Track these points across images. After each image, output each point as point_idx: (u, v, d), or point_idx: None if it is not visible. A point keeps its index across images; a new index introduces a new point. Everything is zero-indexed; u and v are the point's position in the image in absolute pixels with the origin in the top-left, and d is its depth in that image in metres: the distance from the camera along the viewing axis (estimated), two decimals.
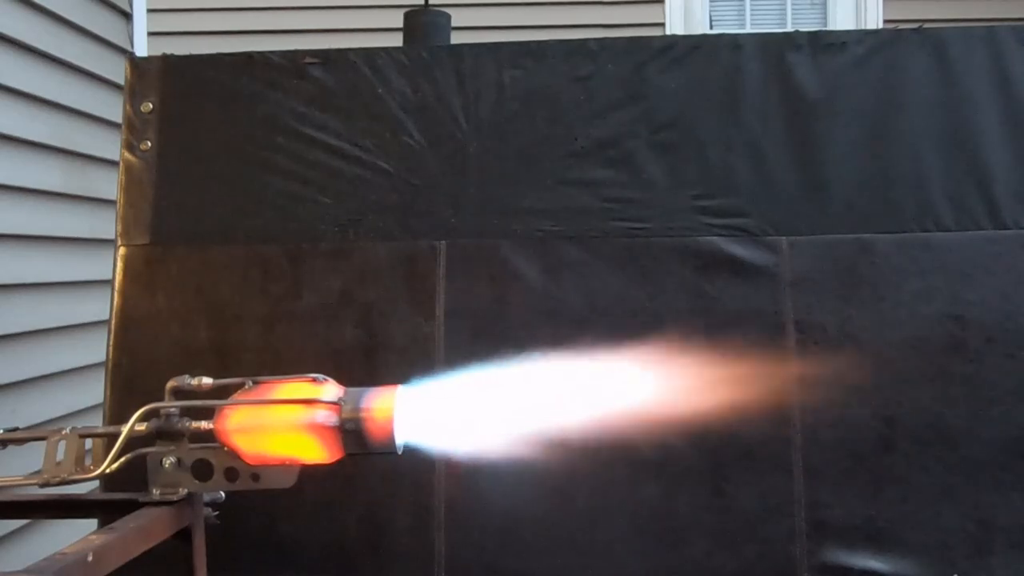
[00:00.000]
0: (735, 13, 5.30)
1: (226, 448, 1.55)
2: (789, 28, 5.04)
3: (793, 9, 5.22)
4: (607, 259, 2.13)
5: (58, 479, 1.54)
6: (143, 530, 1.49)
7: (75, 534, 1.54)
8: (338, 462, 1.56)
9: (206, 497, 1.65)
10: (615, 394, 1.87)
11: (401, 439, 1.55)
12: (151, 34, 3.83)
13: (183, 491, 1.57)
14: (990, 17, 4.63)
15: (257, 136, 2.22)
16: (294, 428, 1.52)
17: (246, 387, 1.58)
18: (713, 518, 2.04)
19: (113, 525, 1.48)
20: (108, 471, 1.54)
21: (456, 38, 2.60)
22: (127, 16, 3.59)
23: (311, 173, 2.20)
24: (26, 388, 2.87)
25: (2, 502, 1.79)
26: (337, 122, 2.21)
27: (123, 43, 3.54)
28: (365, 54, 2.23)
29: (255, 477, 1.56)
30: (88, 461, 1.62)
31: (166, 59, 2.28)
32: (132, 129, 2.25)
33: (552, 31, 4.59)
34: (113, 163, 2.57)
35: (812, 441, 2.04)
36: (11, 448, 1.67)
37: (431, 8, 2.73)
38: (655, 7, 4.97)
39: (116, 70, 3.21)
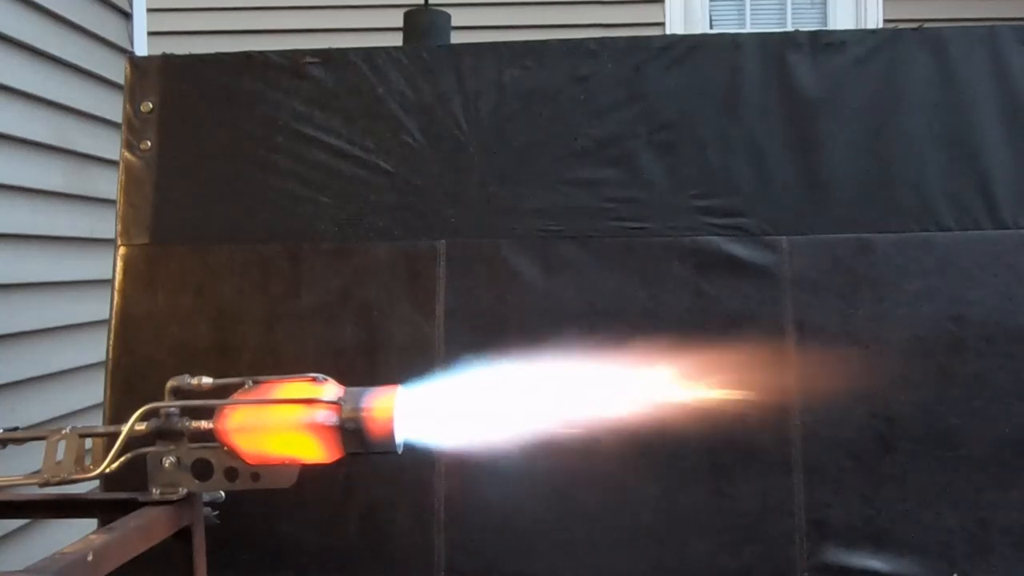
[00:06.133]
0: (735, 13, 5.30)
1: (226, 448, 1.55)
2: (789, 28, 5.04)
3: (793, 9, 5.22)
4: (607, 259, 2.13)
5: (58, 479, 1.54)
6: (143, 530, 1.49)
7: (75, 534, 1.54)
8: (338, 462, 1.56)
9: (206, 497, 1.65)
10: (615, 394, 1.87)
11: (401, 438, 1.55)
12: (151, 34, 3.83)
13: (183, 491, 1.57)
14: (990, 17, 4.63)
15: (257, 136, 2.22)
16: (294, 428, 1.52)
17: (246, 387, 1.58)
18: (713, 518, 2.04)
19: (113, 525, 1.48)
20: (108, 471, 1.54)
21: (456, 38, 2.60)
22: (127, 16, 3.59)
23: (311, 173, 2.20)
24: (26, 388, 2.87)
25: (2, 502, 1.79)
26: (337, 122, 2.21)
27: (123, 43, 3.54)
28: (365, 54, 2.23)
29: (255, 477, 1.56)
30: (88, 461, 1.62)
31: (166, 59, 2.28)
32: (132, 129, 2.25)
33: (552, 31, 4.59)
34: (113, 163, 2.57)
35: (812, 441, 2.03)
36: (11, 448, 1.67)
37: (431, 8, 2.73)
38: (655, 7, 4.97)
39: (116, 70, 3.21)
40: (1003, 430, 2.02)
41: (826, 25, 5.06)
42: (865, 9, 4.98)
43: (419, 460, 1.99)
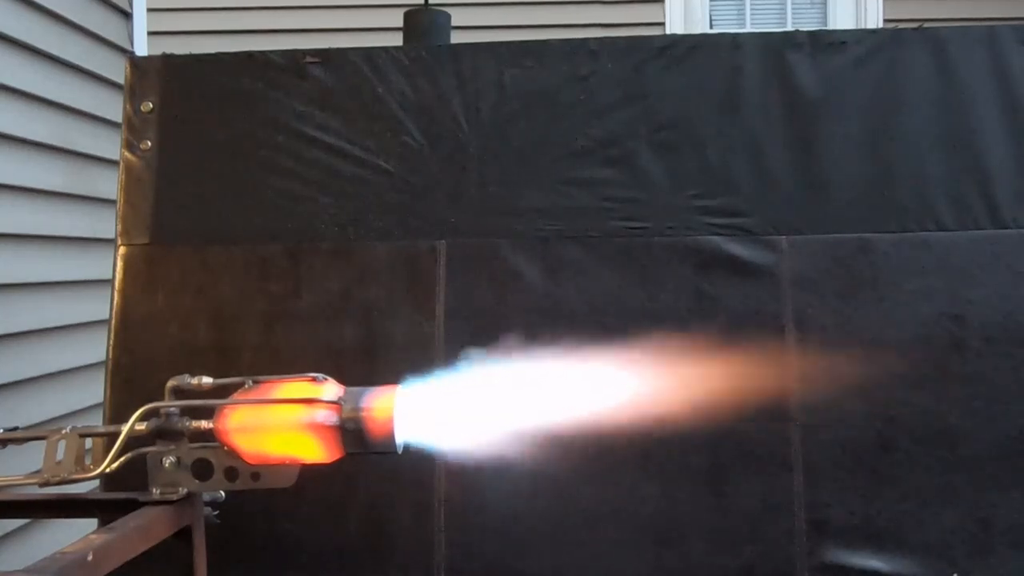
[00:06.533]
0: (735, 12, 5.30)
1: (226, 447, 1.55)
2: (789, 27, 5.04)
3: (793, 8, 5.22)
4: (607, 259, 2.13)
5: (58, 478, 1.54)
6: (143, 530, 1.49)
7: (75, 534, 1.54)
8: (338, 462, 1.56)
9: (206, 496, 1.65)
10: (615, 394, 1.87)
11: (401, 438, 1.55)
12: (151, 34, 3.83)
13: (183, 490, 1.57)
14: (990, 17, 4.63)
15: (257, 136, 2.22)
16: (294, 427, 1.52)
17: (246, 386, 1.58)
18: (713, 518, 2.04)
19: (113, 525, 1.48)
20: (108, 470, 1.54)
21: (456, 38, 2.60)
22: (127, 15, 3.60)
23: (311, 173, 2.20)
24: (26, 388, 2.87)
25: (2, 502, 1.79)
26: (337, 122, 2.21)
27: (123, 43, 3.54)
28: (365, 54, 2.23)
29: (255, 476, 1.56)
30: (88, 460, 1.62)
31: (166, 59, 2.28)
32: (132, 129, 2.25)
33: (552, 31, 4.59)
34: (113, 163, 2.57)
35: (812, 441, 2.03)
36: (11, 448, 1.67)
37: (431, 8, 2.73)
38: (655, 7, 4.97)
39: (116, 70, 3.21)
40: (1003, 430, 2.02)
41: (826, 25, 5.06)
42: (865, 9, 4.98)
43: (419, 460, 1.99)
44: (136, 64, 2.30)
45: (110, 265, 2.22)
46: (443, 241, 2.16)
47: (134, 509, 1.54)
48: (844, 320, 2.07)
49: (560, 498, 2.06)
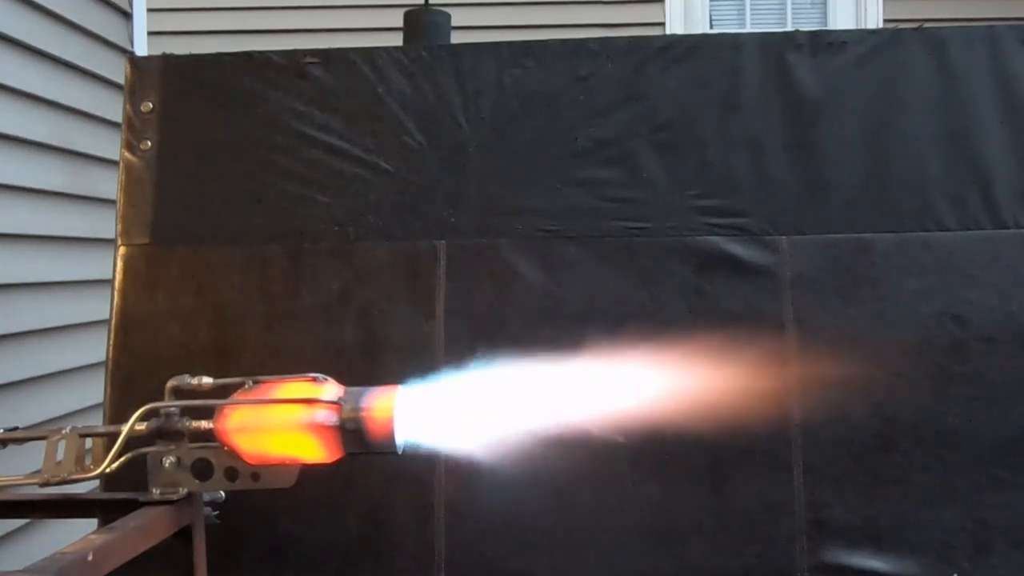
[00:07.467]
0: (735, 13, 5.30)
1: (226, 448, 1.55)
2: (789, 27, 5.04)
3: (793, 8, 5.22)
4: (607, 259, 2.13)
5: (58, 478, 1.54)
6: (143, 530, 1.49)
7: (75, 534, 1.54)
8: (338, 462, 1.56)
9: (206, 496, 1.65)
10: (615, 394, 1.87)
11: (401, 438, 1.55)
12: (151, 34, 3.83)
13: (183, 490, 1.57)
14: (990, 17, 4.63)
15: (257, 136, 2.22)
16: (294, 428, 1.52)
17: (246, 387, 1.58)
18: (713, 518, 2.04)
19: (113, 525, 1.48)
20: (108, 471, 1.54)
21: (456, 38, 2.60)
22: (127, 16, 3.60)
23: (311, 173, 2.20)
24: (26, 388, 2.87)
25: (2, 502, 1.79)
26: (337, 122, 2.21)
27: (123, 43, 3.55)
28: (365, 54, 2.23)
29: (255, 477, 1.57)
30: (88, 461, 1.62)
31: (166, 59, 2.28)
32: (132, 129, 2.25)
33: (552, 31, 4.59)
34: (113, 163, 2.57)
35: (812, 441, 2.03)
36: (11, 448, 1.67)
37: (431, 8, 2.73)
38: (655, 7, 4.97)
39: (116, 70, 3.22)
40: (1003, 430, 2.02)
41: (826, 25, 5.06)
42: (865, 9, 4.98)
43: (419, 460, 1.99)
44: (136, 64, 2.30)
45: (110, 265, 2.22)
46: (443, 241, 2.16)
47: (134, 509, 1.54)
48: (844, 320, 2.07)
49: (560, 498, 2.06)
